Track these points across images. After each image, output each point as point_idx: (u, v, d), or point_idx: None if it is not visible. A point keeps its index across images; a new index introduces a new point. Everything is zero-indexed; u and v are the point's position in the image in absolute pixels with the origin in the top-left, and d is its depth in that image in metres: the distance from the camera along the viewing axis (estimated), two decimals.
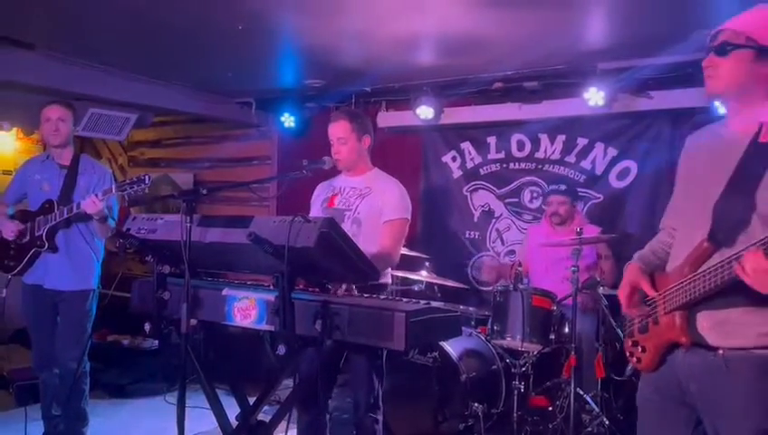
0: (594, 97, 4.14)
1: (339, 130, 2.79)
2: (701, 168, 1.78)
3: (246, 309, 2.16)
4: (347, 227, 2.70)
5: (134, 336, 5.27)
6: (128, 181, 3.07)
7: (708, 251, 1.65)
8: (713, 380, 1.65)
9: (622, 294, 1.85)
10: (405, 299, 2.22)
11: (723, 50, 1.66)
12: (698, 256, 1.67)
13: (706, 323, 1.65)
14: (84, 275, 3.38)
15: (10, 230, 3.31)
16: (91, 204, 3.07)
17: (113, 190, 3.07)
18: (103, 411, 4.07)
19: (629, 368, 3.25)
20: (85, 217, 3.23)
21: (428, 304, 2.07)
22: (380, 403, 2.69)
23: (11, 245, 3.38)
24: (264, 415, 2.29)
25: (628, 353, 1.91)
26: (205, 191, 2.17)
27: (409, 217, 2.80)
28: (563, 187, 4.25)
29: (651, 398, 1.85)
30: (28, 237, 3.31)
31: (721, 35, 1.68)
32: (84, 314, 3.35)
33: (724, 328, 1.63)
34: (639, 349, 1.85)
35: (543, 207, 4.65)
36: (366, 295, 2.31)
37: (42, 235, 3.25)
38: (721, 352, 1.62)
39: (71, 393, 3.09)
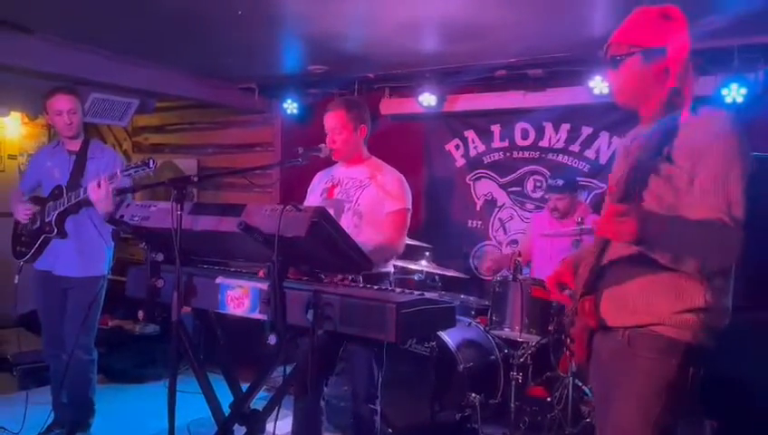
0: (599, 85, 4.10)
1: (334, 120, 2.75)
2: (616, 166, 1.86)
3: (239, 298, 2.15)
4: (348, 218, 2.69)
5: (136, 321, 5.29)
6: (133, 166, 3.00)
7: (602, 240, 1.70)
8: (621, 362, 1.66)
9: (550, 283, 1.91)
10: (399, 290, 2.20)
11: (613, 63, 1.75)
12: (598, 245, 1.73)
13: (606, 303, 1.68)
14: (94, 261, 3.36)
15: (23, 212, 3.32)
16: (92, 190, 3.03)
17: (118, 175, 3.00)
18: (104, 396, 4.08)
19: (573, 365, 3.22)
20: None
21: (422, 294, 2.05)
22: (379, 393, 2.68)
23: (22, 231, 3.39)
24: (261, 401, 2.29)
25: (568, 353, 1.94)
26: (196, 178, 2.16)
27: (410, 207, 2.78)
28: (560, 182, 4.22)
29: (596, 399, 1.89)
30: (38, 223, 3.31)
31: (609, 50, 1.77)
32: (93, 300, 3.30)
33: (623, 307, 1.65)
34: (572, 343, 1.88)
35: (546, 196, 4.61)
36: (360, 286, 2.30)
37: (51, 220, 3.25)
38: (627, 332, 1.64)
39: (63, 379, 3.09)
